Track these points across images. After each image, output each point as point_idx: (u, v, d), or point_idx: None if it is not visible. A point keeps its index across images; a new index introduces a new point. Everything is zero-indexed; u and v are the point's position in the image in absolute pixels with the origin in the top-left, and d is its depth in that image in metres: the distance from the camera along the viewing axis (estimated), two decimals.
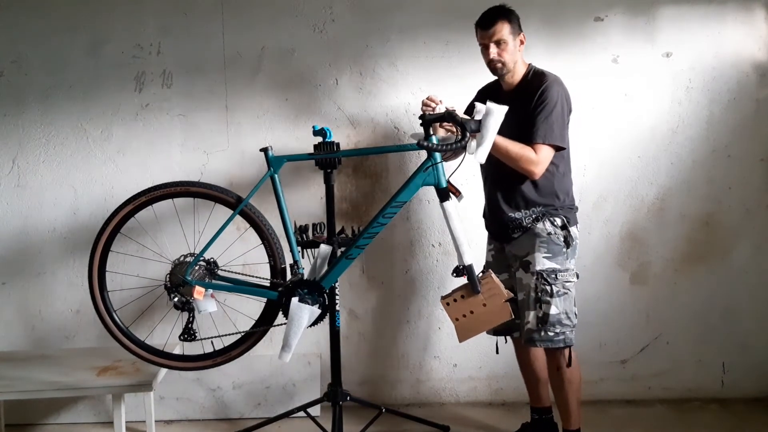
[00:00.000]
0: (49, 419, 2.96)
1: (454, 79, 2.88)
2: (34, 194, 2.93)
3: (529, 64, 2.43)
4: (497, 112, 2.18)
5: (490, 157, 2.25)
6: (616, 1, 2.88)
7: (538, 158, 2.28)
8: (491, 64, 2.39)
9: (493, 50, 2.35)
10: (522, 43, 2.38)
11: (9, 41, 2.87)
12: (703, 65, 2.91)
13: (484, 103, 2.21)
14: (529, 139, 2.28)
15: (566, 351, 2.35)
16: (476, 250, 2.55)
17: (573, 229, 2.37)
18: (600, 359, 3.00)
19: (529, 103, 2.31)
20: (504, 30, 2.33)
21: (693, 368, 3.05)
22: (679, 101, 2.93)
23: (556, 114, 2.29)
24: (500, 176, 2.42)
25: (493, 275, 2.33)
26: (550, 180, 2.35)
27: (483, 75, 2.50)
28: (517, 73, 2.40)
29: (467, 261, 2.29)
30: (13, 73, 2.88)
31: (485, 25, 2.36)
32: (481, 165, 2.50)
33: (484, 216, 2.60)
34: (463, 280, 2.33)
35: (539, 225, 2.35)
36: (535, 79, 2.36)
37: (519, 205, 2.38)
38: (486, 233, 2.63)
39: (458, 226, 2.28)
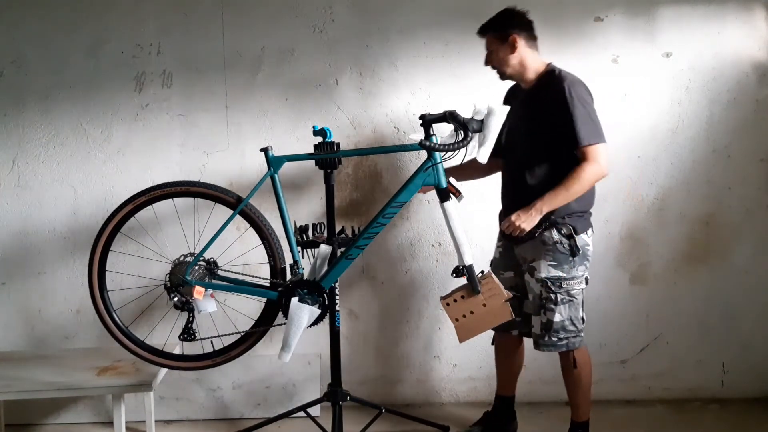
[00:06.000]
0: (49, 419, 2.96)
1: (454, 79, 2.88)
2: (34, 194, 2.93)
3: (549, 64, 2.40)
4: (499, 113, 2.19)
5: (506, 163, 2.22)
6: (616, 1, 2.88)
7: (595, 160, 2.21)
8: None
9: (486, 58, 2.42)
10: (514, 47, 2.33)
11: (9, 41, 2.86)
12: (702, 65, 2.91)
13: (511, 100, 2.19)
14: (573, 144, 2.23)
15: (570, 355, 2.39)
16: (476, 250, 2.55)
17: (582, 237, 2.36)
18: (600, 359, 2.99)
19: (549, 104, 2.27)
20: (488, 40, 2.39)
21: (693, 368, 3.05)
22: (678, 101, 2.93)
23: (593, 112, 2.27)
24: (514, 184, 2.43)
25: (493, 275, 2.33)
26: None
27: (483, 75, 2.50)
28: (529, 73, 2.38)
29: (467, 261, 2.29)
30: (13, 73, 2.88)
31: (480, 35, 2.42)
32: (503, 169, 2.52)
33: (500, 216, 2.55)
34: (463, 281, 2.33)
35: (546, 234, 2.32)
36: (553, 79, 2.32)
37: None
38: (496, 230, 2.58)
39: (458, 226, 2.28)
